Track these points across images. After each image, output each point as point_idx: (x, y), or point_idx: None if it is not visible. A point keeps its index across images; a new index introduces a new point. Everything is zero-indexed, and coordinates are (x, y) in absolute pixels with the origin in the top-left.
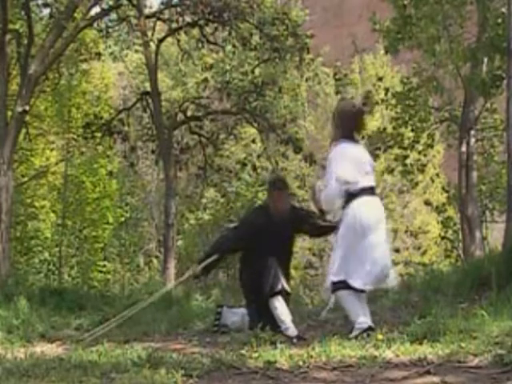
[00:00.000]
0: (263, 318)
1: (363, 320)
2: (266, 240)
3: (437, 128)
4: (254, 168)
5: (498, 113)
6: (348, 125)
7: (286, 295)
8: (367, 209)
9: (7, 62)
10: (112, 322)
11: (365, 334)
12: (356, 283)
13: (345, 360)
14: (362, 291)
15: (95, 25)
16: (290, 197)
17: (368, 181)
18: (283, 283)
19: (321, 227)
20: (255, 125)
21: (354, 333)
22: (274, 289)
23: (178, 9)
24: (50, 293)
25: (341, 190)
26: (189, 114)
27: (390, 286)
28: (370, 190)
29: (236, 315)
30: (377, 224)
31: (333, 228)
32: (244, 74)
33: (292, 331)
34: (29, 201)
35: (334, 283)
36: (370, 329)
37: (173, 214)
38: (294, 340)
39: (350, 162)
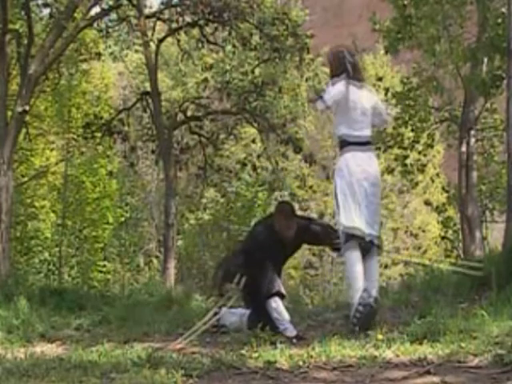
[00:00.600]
0: (262, 318)
1: (357, 296)
2: (267, 252)
3: (437, 128)
4: (254, 168)
5: (498, 113)
6: (341, 68)
7: (281, 297)
8: (355, 164)
9: (7, 62)
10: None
11: (361, 326)
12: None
13: (345, 360)
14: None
15: (95, 25)
16: (296, 222)
17: (358, 130)
18: (279, 285)
19: (325, 239)
20: (255, 125)
21: (352, 313)
22: (270, 290)
23: (178, 9)
24: (50, 293)
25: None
26: (189, 114)
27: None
28: (361, 142)
29: (234, 315)
30: (365, 179)
31: (333, 242)
32: (244, 73)
33: (291, 331)
34: (29, 201)
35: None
36: (368, 305)
37: (173, 214)
38: (294, 340)
39: (342, 111)
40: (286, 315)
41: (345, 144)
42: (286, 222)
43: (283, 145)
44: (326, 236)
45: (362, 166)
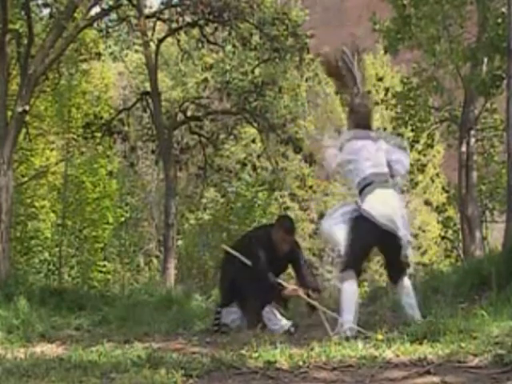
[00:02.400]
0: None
1: (349, 327)
2: (261, 254)
3: (437, 128)
4: (254, 168)
5: (498, 113)
6: (359, 122)
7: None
8: (378, 204)
9: (7, 62)
10: None
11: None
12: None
13: (345, 360)
14: None
15: (95, 25)
16: (293, 241)
17: (376, 169)
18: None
19: (304, 282)
20: (255, 125)
21: (337, 336)
22: (262, 301)
23: (178, 9)
24: (50, 293)
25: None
26: (189, 114)
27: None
28: (380, 180)
29: (235, 314)
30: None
31: (312, 288)
32: (244, 73)
33: (283, 328)
34: (29, 201)
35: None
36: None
37: (173, 214)
38: (292, 329)
39: (356, 157)
40: (278, 315)
41: (366, 186)
42: (283, 236)
43: (283, 145)
44: (306, 276)
45: (385, 205)
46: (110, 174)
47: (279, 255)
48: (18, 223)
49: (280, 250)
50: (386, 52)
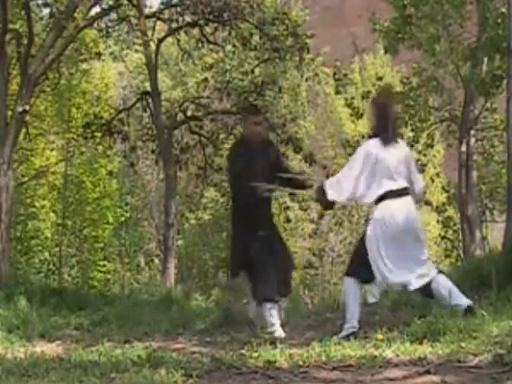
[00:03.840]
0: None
1: (354, 324)
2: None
3: (437, 128)
4: None
5: (498, 113)
6: (380, 120)
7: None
8: (391, 213)
9: (7, 62)
10: None
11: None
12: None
13: (345, 360)
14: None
15: (95, 25)
16: (265, 123)
17: (392, 185)
18: (274, 289)
19: (293, 179)
20: None
21: (342, 334)
22: (269, 294)
23: (178, 9)
24: (50, 293)
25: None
26: (189, 113)
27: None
28: (396, 193)
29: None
30: (402, 228)
31: (303, 185)
32: (244, 73)
33: (279, 333)
34: (29, 201)
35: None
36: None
37: (173, 214)
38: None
39: (367, 170)
40: (278, 318)
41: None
42: (252, 118)
43: (283, 145)
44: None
45: (399, 214)
46: (110, 173)
47: (258, 147)
48: (18, 223)
49: (256, 138)
50: (385, 52)
